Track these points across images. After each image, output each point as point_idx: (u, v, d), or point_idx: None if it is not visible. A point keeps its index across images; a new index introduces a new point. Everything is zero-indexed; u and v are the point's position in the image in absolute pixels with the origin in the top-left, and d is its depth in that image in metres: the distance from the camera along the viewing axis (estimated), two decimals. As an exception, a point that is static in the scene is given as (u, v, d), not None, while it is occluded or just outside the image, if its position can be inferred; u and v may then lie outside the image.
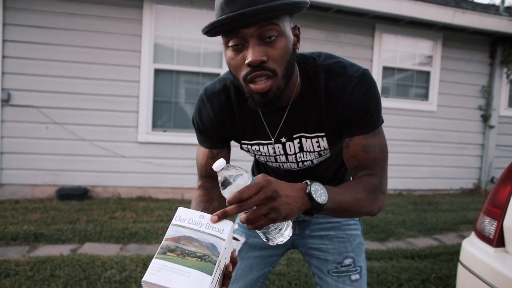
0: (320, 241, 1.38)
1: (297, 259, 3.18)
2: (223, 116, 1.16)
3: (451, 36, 6.14)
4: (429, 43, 6.15)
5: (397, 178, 6.06)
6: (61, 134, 4.90)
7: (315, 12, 5.44)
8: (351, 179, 1.12)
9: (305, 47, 5.44)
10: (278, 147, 1.17)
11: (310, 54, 1.13)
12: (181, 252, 0.71)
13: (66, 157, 4.94)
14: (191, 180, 5.12)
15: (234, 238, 1.42)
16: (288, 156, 1.19)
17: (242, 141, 1.21)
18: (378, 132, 1.10)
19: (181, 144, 5.19)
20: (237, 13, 0.87)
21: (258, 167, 1.47)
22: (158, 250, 0.73)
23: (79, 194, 4.87)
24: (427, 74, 6.18)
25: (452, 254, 3.47)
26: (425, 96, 6.21)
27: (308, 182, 0.88)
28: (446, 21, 5.61)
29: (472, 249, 1.75)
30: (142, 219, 4.17)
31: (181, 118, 5.31)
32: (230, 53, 0.95)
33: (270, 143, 1.17)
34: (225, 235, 0.76)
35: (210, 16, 5.14)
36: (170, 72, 5.17)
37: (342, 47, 5.68)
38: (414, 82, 6.18)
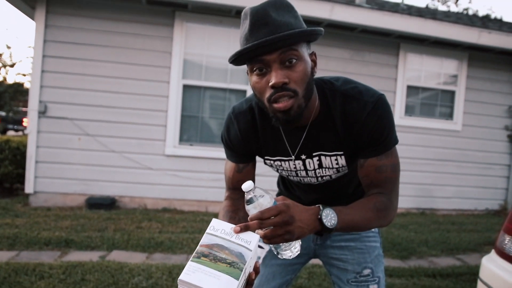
0: (340, 251, 1.46)
1: (319, 273, 3.23)
2: (248, 133, 1.27)
3: (477, 56, 6.13)
4: (454, 62, 6.16)
5: (420, 197, 6.03)
6: (92, 146, 5.11)
7: (340, 31, 5.55)
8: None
9: (330, 66, 5.54)
10: (299, 163, 1.27)
11: (328, 79, 1.21)
12: (213, 258, 0.81)
13: (97, 167, 5.14)
14: (216, 194, 5.23)
15: (259, 246, 1.51)
16: (308, 171, 1.28)
17: (266, 157, 1.31)
18: (391, 152, 1.19)
19: (207, 158, 5.33)
20: (261, 41, 0.98)
21: (283, 181, 1.56)
22: (194, 254, 0.83)
23: (107, 204, 5.04)
24: (452, 93, 6.17)
25: (475, 275, 3.43)
26: (449, 116, 6.19)
27: (321, 207, 1.02)
28: (471, 41, 5.62)
29: (492, 266, 1.79)
30: (168, 229, 4.29)
31: (207, 133, 5.46)
32: (255, 78, 1.06)
33: (291, 159, 1.26)
34: (252, 246, 0.86)
35: (237, 34, 5.31)
36: (198, 88, 5.34)
37: (367, 66, 5.75)
38: (439, 101, 6.18)
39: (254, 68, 1.05)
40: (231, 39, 5.32)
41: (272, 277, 1.48)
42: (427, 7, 11.43)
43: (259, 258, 1.52)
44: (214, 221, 0.90)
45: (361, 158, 1.20)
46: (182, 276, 0.78)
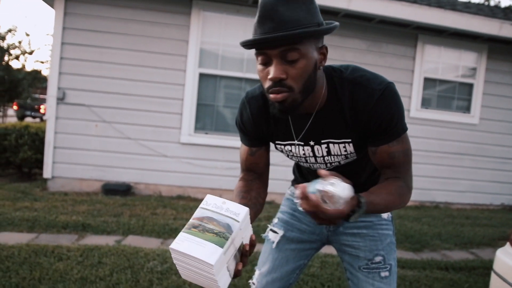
0: (352, 238, 1.48)
1: (331, 262, 3.25)
2: (259, 118, 1.31)
3: (497, 48, 6.02)
4: (473, 55, 6.06)
5: (435, 191, 5.99)
6: (109, 132, 5.18)
7: (358, 22, 5.50)
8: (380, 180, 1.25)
9: (346, 57, 5.51)
10: (308, 149, 1.29)
11: (338, 67, 1.22)
12: (202, 229, 0.88)
13: (113, 154, 5.22)
14: (230, 182, 5.27)
15: (273, 231, 1.54)
16: (317, 158, 1.30)
17: (276, 142, 1.34)
18: (401, 139, 1.19)
19: (221, 146, 5.36)
20: (263, 37, 1.01)
21: (298, 168, 1.59)
22: (186, 226, 0.90)
23: (123, 190, 5.13)
24: (470, 86, 6.08)
25: (489, 269, 3.41)
26: (467, 109, 6.11)
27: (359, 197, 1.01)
28: (492, 33, 5.52)
29: (506, 258, 1.78)
30: (182, 216, 4.35)
31: (222, 122, 5.49)
32: (259, 66, 1.10)
33: (300, 145, 1.29)
34: (239, 218, 0.90)
35: (254, 24, 5.30)
36: (214, 76, 5.36)
37: (384, 57, 5.70)
38: (456, 94, 6.10)
39: (258, 58, 1.08)
40: (248, 29, 5.31)
41: (285, 261, 1.51)
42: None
43: (271, 240, 1.54)
44: (208, 197, 0.96)
45: (372, 146, 1.21)
46: (173, 245, 0.86)
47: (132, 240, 3.54)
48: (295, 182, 1.61)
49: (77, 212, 4.20)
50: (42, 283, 2.55)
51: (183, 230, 0.89)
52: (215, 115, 5.47)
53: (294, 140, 1.29)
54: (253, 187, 1.35)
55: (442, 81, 6.04)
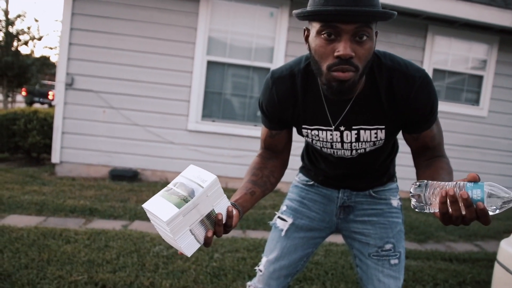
0: (363, 225, 1.48)
1: (335, 251, 3.27)
2: (285, 100, 1.25)
3: (508, 41, 5.94)
4: (483, 46, 5.99)
5: (441, 183, 5.96)
6: (116, 118, 5.21)
7: (368, 11, 5.44)
8: (420, 166, 1.26)
9: (355, 46, 5.46)
10: (336, 135, 1.26)
11: (376, 52, 1.19)
12: (171, 192, 0.95)
13: (120, 140, 5.25)
14: (236, 170, 5.30)
15: (282, 219, 1.54)
16: (344, 143, 1.27)
17: (303, 126, 1.29)
18: (437, 121, 1.24)
19: (228, 134, 5.38)
20: (345, 8, 0.95)
21: (308, 154, 1.55)
22: (162, 190, 0.98)
23: (129, 176, 5.17)
24: (479, 78, 6.02)
25: (493, 261, 3.41)
26: (476, 101, 6.06)
27: None
28: (504, 24, 5.44)
29: (511, 249, 1.79)
30: (188, 203, 4.38)
31: (230, 110, 5.50)
32: (320, 41, 1.03)
33: (330, 130, 1.25)
34: (205, 185, 0.95)
35: (263, 12, 5.28)
36: (222, 64, 5.36)
37: (393, 48, 5.65)
38: (465, 86, 6.05)
39: (323, 32, 1.02)
40: (256, 17, 5.29)
41: (294, 249, 1.51)
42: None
43: (279, 228, 1.54)
44: (190, 167, 1.02)
45: (414, 133, 1.23)
46: (144, 204, 0.96)
47: (138, 225, 3.58)
48: (303, 169, 1.60)
49: (84, 197, 4.24)
50: (50, 265, 2.59)
51: (158, 193, 0.97)
52: (222, 103, 5.47)
53: (325, 126, 1.25)
54: (268, 165, 1.35)
55: (452, 73, 5.99)
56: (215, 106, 5.46)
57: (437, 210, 0.91)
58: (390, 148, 1.42)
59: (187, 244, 0.95)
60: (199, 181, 0.96)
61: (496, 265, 1.84)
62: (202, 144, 5.38)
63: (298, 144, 1.66)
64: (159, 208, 0.92)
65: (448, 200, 0.87)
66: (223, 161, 5.39)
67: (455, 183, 0.88)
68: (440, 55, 5.89)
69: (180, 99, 5.28)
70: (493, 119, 6.05)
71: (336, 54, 1.00)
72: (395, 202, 1.50)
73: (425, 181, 0.95)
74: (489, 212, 0.84)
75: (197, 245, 0.98)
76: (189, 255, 0.97)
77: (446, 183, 0.90)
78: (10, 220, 3.41)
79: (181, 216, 0.91)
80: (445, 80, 5.98)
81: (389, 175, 1.51)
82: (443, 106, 5.86)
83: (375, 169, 1.44)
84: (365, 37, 1.01)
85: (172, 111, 5.29)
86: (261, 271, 1.53)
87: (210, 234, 0.98)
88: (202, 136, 5.37)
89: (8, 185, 4.46)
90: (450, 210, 0.87)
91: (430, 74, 5.81)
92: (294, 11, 1.07)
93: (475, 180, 0.86)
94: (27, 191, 4.28)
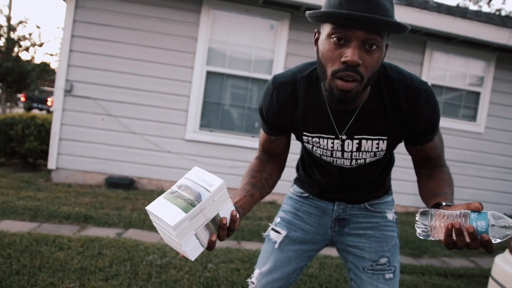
0: (358, 239, 1.46)
1: (330, 264, 3.26)
2: (286, 106, 1.24)
3: (506, 58, 6.00)
4: (481, 63, 6.04)
5: (438, 198, 5.96)
6: (114, 126, 5.21)
7: (367, 26, 5.49)
8: (422, 176, 1.29)
9: (353, 60, 5.50)
10: (338, 143, 1.25)
11: (382, 64, 1.18)
12: (177, 195, 0.93)
13: (117, 148, 5.25)
14: (233, 181, 5.28)
15: (276, 231, 1.52)
16: (345, 153, 1.27)
17: (304, 132, 1.28)
18: (439, 132, 1.26)
19: (226, 145, 5.38)
20: (359, 14, 0.94)
21: (303, 166, 1.54)
22: (166, 191, 0.96)
23: (125, 184, 5.15)
24: (476, 95, 6.06)
25: (488, 277, 3.42)
26: (473, 117, 6.09)
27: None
28: (502, 42, 5.50)
29: (505, 265, 1.79)
30: (183, 212, 4.35)
31: (228, 120, 5.51)
32: (329, 44, 1.02)
33: (331, 138, 1.24)
34: (212, 189, 0.93)
35: (264, 24, 5.32)
36: (221, 75, 5.38)
37: (391, 62, 5.68)
38: (463, 102, 6.08)
39: (333, 36, 1.00)
40: (257, 29, 5.33)
41: (287, 262, 1.49)
42: (457, 6, 11.20)
43: (272, 240, 1.53)
44: (194, 168, 1.00)
45: (417, 145, 1.25)
46: (147, 206, 0.93)
47: (133, 234, 3.56)
48: (298, 181, 1.58)
49: (79, 204, 4.22)
50: (42, 271, 2.57)
51: (162, 195, 0.95)
52: (220, 113, 5.48)
53: (329, 134, 1.24)
54: (267, 168, 1.35)
55: (449, 89, 6.02)
56: (213, 116, 5.47)
57: (442, 238, 0.93)
58: (387, 161, 1.42)
59: (192, 248, 0.94)
60: (206, 184, 0.94)
61: (491, 280, 1.83)
62: (199, 153, 5.37)
63: (293, 156, 1.66)
64: (165, 212, 0.90)
65: (453, 233, 0.89)
66: (220, 171, 5.38)
67: (459, 212, 0.90)
68: (438, 70, 5.93)
69: (178, 109, 5.29)
70: (490, 135, 6.08)
71: (343, 59, 0.99)
72: (390, 216, 1.49)
73: (430, 210, 0.96)
74: (492, 241, 0.87)
75: (201, 249, 0.97)
76: (193, 259, 0.96)
77: (451, 212, 0.91)
78: (3, 225, 3.39)
79: (188, 221, 0.90)
80: (442, 96, 6.01)
81: (385, 189, 1.50)
82: (440, 122, 5.87)
83: (371, 181, 1.44)
84: (374, 47, 1.00)
85: (170, 120, 5.30)
86: (253, 283, 1.50)
87: (214, 238, 0.98)
88: (199, 145, 5.37)
89: (3, 190, 4.44)
90: (456, 240, 0.90)
91: (428, 89, 5.84)
92: (308, 12, 1.04)
93: (478, 210, 0.89)
94: (22, 196, 4.26)
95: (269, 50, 5.35)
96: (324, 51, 1.03)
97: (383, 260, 1.42)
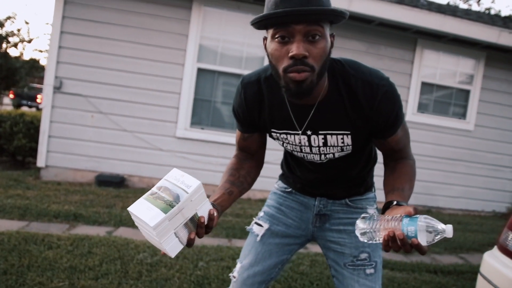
0: (338, 235, 1.47)
1: (321, 261, 3.26)
2: (253, 104, 1.31)
3: (495, 56, 6.05)
4: (471, 61, 6.09)
5: (427, 195, 6.01)
6: (105, 124, 5.17)
7: (357, 23, 5.51)
8: (387, 167, 1.33)
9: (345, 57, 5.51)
10: (304, 139, 1.28)
11: (339, 59, 1.23)
12: (157, 197, 0.97)
13: (108, 145, 5.21)
14: (223, 178, 5.28)
15: (258, 224, 1.54)
16: (312, 148, 1.30)
17: (272, 129, 1.33)
18: (403, 124, 1.27)
19: (217, 142, 5.36)
20: (294, 9, 0.99)
21: (287, 162, 1.57)
22: (147, 193, 1.00)
23: (116, 182, 5.12)
24: (466, 92, 6.11)
25: (477, 274, 3.45)
26: (462, 115, 6.14)
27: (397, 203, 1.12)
28: (491, 41, 5.55)
29: (494, 261, 1.80)
30: (174, 210, 4.34)
31: (219, 117, 5.49)
32: (275, 45, 1.07)
33: (297, 134, 1.28)
34: (190, 190, 0.97)
35: (254, 21, 5.30)
36: (212, 72, 5.36)
37: (382, 60, 5.71)
38: (453, 100, 6.13)
39: (277, 35, 1.05)
40: (248, 25, 5.30)
41: (268, 255, 1.50)
42: (448, 4, 11.27)
43: (255, 233, 1.53)
44: (173, 170, 1.04)
45: (381, 138, 1.27)
46: (129, 207, 0.97)
47: (123, 232, 3.54)
48: (282, 177, 1.61)
49: (69, 202, 4.19)
50: (30, 271, 2.54)
51: (143, 196, 0.99)
52: (211, 111, 5.47)
53: (292, 130, 1.28)
54: (245, 165, 1.40)
55: (439, 86, 6.06)
56: (204, 114, 5.45)
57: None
58: (365, 158, 1.44)
59: (172, 246, 0.99)
60: (184, 186, 0.99)
61: (479, 277, 1.85)
62: (190, 151, 5.35)
63: (279, 153, 1.67)
64: (145, 213, 0.94)
65: (388, 240, 0.98)
66: (211, 168, 5.37)
67: (396, 216, 1.00)
68: (428, 68, 5.97)
69: (169, 106, 5.26)
70: (480, 133, 6.13)
71: (290, 54, 1.03)
72: (371, 211, 1.49)
73: (372, 214, 1.06)
74: (422, 244, 0.95)
75: (181, 246, 1.02)
76: (173, 256, 1.01)
77: (389, 217, 1.01)
78: (-8, 224, 3.35)
79: (167, 221, 0.94)
80: (433, 94, 6.05)
81: (367, 186, 1.52)
82: (430, 119, 5.93)
83: (351, 178, 1.45)
84: (317, 37, 1.04)
85: (161, 118, 5.27)
86: (235, 277, 1.51)
87: (193, 236, 1.02)
88: (190, 143, 5.35)
89: (-9, 188, 4.39)
90: (391, 246, 0.99)
91: (418, 87, 5.88)
92: (250, 21, 1.10)
93: (410, 214, 0.98)
94: (11, 194, 4.21)
95: (260, 47, 5.32)
96: (272, 52, 1.08)
97: (363, 256, 1.43)
